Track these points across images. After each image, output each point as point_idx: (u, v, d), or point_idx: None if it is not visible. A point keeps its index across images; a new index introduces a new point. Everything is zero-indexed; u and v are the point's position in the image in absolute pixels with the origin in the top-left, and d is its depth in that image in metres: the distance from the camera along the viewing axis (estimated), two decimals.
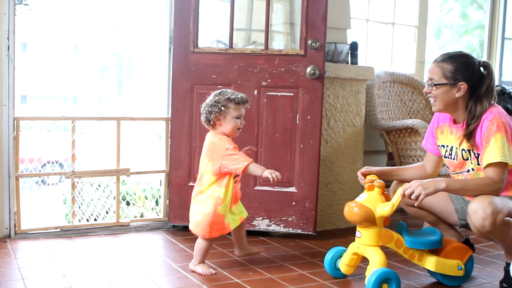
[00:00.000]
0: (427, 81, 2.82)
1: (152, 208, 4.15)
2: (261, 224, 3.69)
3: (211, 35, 4.21)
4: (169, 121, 3.81)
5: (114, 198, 3.84)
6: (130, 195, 4.26)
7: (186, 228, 3.80)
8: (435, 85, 2.76)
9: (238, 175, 2.98)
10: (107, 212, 3.86)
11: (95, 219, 3.81)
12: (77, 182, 3.73)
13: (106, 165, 3.80)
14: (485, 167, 2.67)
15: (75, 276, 2.84)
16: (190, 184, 3.73)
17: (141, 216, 4.14)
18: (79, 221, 3.75)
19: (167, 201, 3.85)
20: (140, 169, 4.00)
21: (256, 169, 2.86)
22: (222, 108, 2.89)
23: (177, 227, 3.86)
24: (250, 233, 3.74)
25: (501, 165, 2.62)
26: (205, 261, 3.01)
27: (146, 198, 4.22)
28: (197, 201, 2.97)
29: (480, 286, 2.91)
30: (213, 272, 2.93)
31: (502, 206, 2.60)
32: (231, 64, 3.65)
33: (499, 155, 2.61)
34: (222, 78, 3.66)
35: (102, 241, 3.51)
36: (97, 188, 3.90)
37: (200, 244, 2.97)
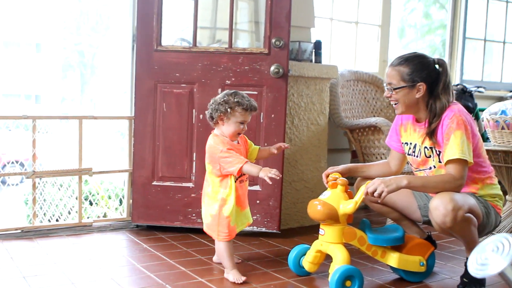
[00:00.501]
0: (386, 86, 2.84)
1: (115, 208, 4.11)
2: None
3: (175, 33, 4.18)
4: (132, 120, 3.78)
5: (76, 198, 3.78)
6: (93, 195, 4.21)
7: (150, 228, 3.78)
8: (394, 89, 2.79)
9: (243, 174, 2.90)
10: (69, 213, 3.80)
11: (57, 220, 3.75)
12: (38, 183, 3.67)
13: (69, 165, 3.74)
14: (445, 164, 2.71)
15: (36, 278, 2.79)
16: (154, 183, 3.70)
17: (104, 216, 4.08)
18: (41, 222, 3.68)
19: (131, 200, 3.82)
20: (103, 168, 3.95)
21: (251, 169, 2.77)
22: (229, 109, 2.81)
23: (140, 226, 3.83)
24: None
25: (461, 162, 2.66)
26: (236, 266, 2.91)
27: (109, 197, 4.17)
28: (205, 203, 2.93)
29: (441, 281, 2.95)
30: (244, 279, 2.81)
31: (463, 202, 2.64)
32: (195, 62, 3.63)
33: (458, 152, 2.65)
34: (186, 76, 3.64)
35: (64, 242, 3.46)
36: (59, 189, 3.83)
37: (220, 250, 2.89)
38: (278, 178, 2.74)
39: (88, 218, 3.88)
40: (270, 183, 2.80)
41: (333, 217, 2.71)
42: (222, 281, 2.82)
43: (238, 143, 2.91)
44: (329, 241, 2.77)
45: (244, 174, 2.90)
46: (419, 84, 2.77)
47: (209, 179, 2.90)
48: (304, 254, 2.94)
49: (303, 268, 2.93)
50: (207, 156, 2.90)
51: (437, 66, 2.83)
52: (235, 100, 2.82)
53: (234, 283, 2.79)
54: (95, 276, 2.85)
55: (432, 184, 2.70)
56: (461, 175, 2.67)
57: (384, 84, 2.90)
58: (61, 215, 3.78)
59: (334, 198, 2.72)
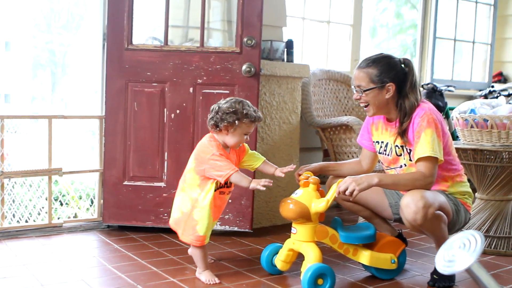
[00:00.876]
0: (355, 88, 2.86)
1: (86, 209, 4.06)
2: None
3: (147, 32, 4.15)
4: (103, 120, 3.74)
5: (46, 199, 3.73)
6: (63, 195, 4.15)
7: (121, 228, 3.75)
8: (364, 91, 2.81)
9: (228, 187, 2.84)
10: (39, 214, 3.75)
11: (26, 221, 3.69)
12: (7, 183, 3.61)
13: (39, 165, 3.69)
14: (416, 162, 2.74)
15: (4, 280, 2.74)
16: (125, 183, 3.67)
17: (75, 216, 4.04)
18: (9, 223, 3.63)
19: (101, 201, 3.78)
20: (73, 168, 3.91)
21: (242, 180, 2.68)
22: (236, 121, 2.72)
23: (112, 227, 3.79)
24: None
25: (431, 160, 2.69)
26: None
27: (80, 198, 4.12)
28: (178, 197, 2.84)
29: (412, 278, 2.98)
30: (217, 281, 2.78)
31: (433, 200, 2.67)
32: (166, 61, 3.61)
33: (429, 149, 2.68)
34: (157, 75, 3.62)
35: (33, 243, 3.41)
36: (28, 189, 3.78)
37: (193, 251, 2.85)
38: (271, 185, 2.68)
39: (58, 219, 3.83)
40: (263, 189, 2.70)
41: (305, 216, 2.71)
42: (194, 281, 2.81)
43: (229, 152, 2.84)
44: (301, 239, 2.77)
45: (227, 187, 2.84)
46: (388, 84, 2.79)
47: (188, 176, 2.81)
48: (277, 253, 2.94)
49: (276, 267, 2.93)
50: (195, 152, 2.82)
51: (403, 65, 2.86)
52: (244, 111, 2.74)
53: (206, 283, 2.78)
54: (66, 278, 2.82)
55: (403, 182, 2.73)
56: (432, 172, 2.70)
57: (352, 87, 2.91)
58: (31, 216, 3.73)
59: (306, 197, 2.73)
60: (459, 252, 1.14)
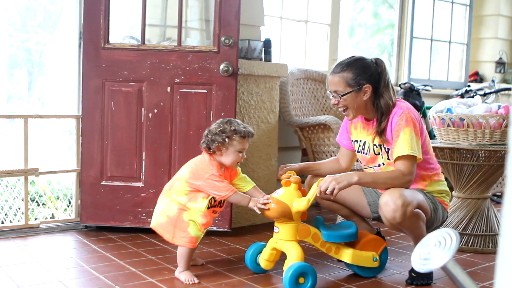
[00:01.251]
0: (332, 94, 2.87)
1: (64, 209, 4.02)
2: None
3: (124, 31, 4.13)
4: (80, 119, 3.71)
5: (22, 199, 3.69)
6: (40, 196, 4.11)
7: (99, 229, 3.73)
8: (342, 96, 2.82)
9: (221, 206, 2.86)
10: (15, 214, 3.70)
11: (2, 222, 3.65)
12: None
13: (15, 165, 3.65)
14: (395, 161, 2.76)
15: None
16: (103, 183, 3.65)
17: (52, 217, 4.00)
18: None
19: (79, 201, 3.75)
20: (50, 168, 3.87)
21: (241, 200, 2.76)
22: (226, 139, 2.74)
23: (89, 227, 3.76)
24: None
25: (410, 158, 2.72)
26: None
27: (57, 198, 4.08)
28: (163, 201, 2.83)
29: (390, 276, 3.00)
30: (196, 281, 2.76)
31: (412, 198, 2.70)
32: (143, 60, 3.59)
33: (407, 148, 2.70)
34: (135, 74, 3.60)
35: (9, 245, 3.37)
36: (4, 190, 3.73)
37: (180, 249, 2.82)
38: (271, 202, 2.71)
39: (35, 219, 3.79)
40: (259, 212, 2.75)
41: (287, 215, 2.73)
42: (173, 281, 2.80)
43: (223, 171, 2.84)
44: (283, 238, 2.78)
45: (220, 206, 2.86)
46: (365, 86, 2.81)
47: (177, 183, 2.80)
48: (261, 252, 2.95)
49: (260, 265, 2.94)
50: (192, 166, 2.80)
51: (376, 66, 2.88)
52: (232, 128, 2.76)
53: (186, 283, 2.77)
54: (43, 279, 2.79)
55: (382, 180, 2.75)
56: (410, 171, 2.72)
57: (328, 92, 2.92)
58: (7, 216, 3.69)
59: (287, 196, 2.74)
60: (435, 250, 1.15)
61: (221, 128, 2.77)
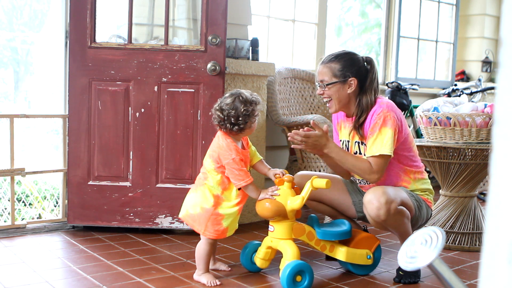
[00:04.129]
0: (318, 83, 2.89)
1: (51, 209, 4.00)
2: (164, 222, 3.65)
3: (111, 30, 4.11)
4: (67, 119, 3.69)
5: (9, 200, 3.67)
6: (27, 196, 4.08)
7: (86, 229, 3.71)
8: (327, 85, 2.84)
9: None
10: (1, 215, 3.68)
11: None
12: None
13: (1, 165, 3.62)
14: (367, 157, 2.78)
15: None
16: (90, 183, 3.63)
17: (39, 217, 3.97)
18: None
19: (66, 201, 3.73)
20: (37, 168, 3.84)
21: (253, 191, 2.74)
22: (255, 117, 2.75)
23: (77, 227, 3.74)
24: (153, 231, 3.70)
25: (383, 157, 2.74)
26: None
27: (44, 198, 4.06)
28: (197, 193, 2.78)
29: (378, 274, 3.01)
30: (218, 283, 2.74)
31: (395, 196, 2.72)
32: (130, 59, 3.58)
33: (382, 148, 2.72)
34: (121, 73, 3.58)
35: None
36: None
37: (199, 250, 2.79)
38: (279, 194, 2.72)
39: (22, 220, 3.77)
40: (273, 198, 2.74)
41: (281, 214, 2.73)
42: (160, 281, 2.79)
43: (243, 147, 2.82)
44: (278, 237, 2.79)
45: None
46: (350, 79, 2.83)
47: (209, 175, 2.77)
48: (256, 251, 2.95)
49: (255, 264, 2.94)
50: (212, 154, 2.77)
51: (365, 63, 2.90)
52: (253, 103, 2.74)
53: (208, 286, 2.74)
54: (29, 280, 2.77)
55: (350, 164, 2.81)
56: (380, 169, 2.75)
57: (316, 83, 2.93)
58: None
59: (281, 195, 2.74)
60: (421, 248, 1.15)
61: (249, 110, 2.71)
